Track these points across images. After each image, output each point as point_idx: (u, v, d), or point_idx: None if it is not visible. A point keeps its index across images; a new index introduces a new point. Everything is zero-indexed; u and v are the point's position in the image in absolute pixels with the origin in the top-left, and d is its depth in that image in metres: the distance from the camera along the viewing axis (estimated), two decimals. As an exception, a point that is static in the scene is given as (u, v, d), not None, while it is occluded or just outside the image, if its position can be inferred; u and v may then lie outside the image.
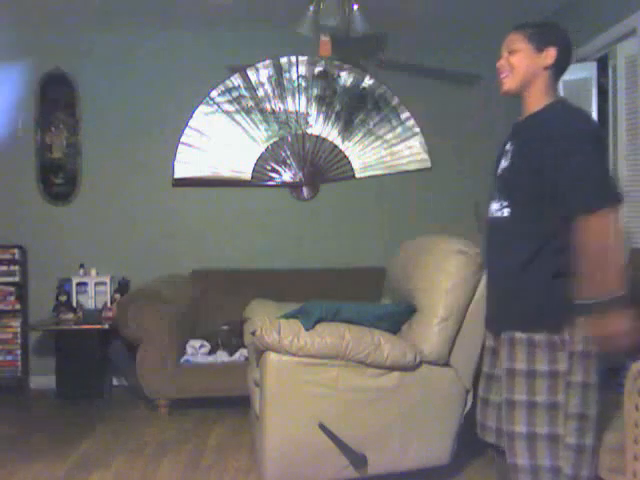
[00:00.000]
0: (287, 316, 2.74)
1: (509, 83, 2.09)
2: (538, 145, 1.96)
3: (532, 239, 2.01)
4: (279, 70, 4.84)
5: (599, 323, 1.88)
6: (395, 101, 4.90)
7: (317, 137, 4.88)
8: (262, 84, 4.83)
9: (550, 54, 2.04)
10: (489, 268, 2.25)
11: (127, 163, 4.84)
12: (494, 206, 2.13)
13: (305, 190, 4.94)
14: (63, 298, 4.57)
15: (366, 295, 3.96)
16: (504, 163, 2.11)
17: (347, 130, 4.89)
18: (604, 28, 3.82)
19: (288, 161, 4.88)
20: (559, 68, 2.08)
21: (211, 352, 4.16)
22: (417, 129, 4.91)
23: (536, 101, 2.07)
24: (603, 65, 4.09)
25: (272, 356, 2.61)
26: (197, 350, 4.14)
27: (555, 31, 2.09)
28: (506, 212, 2.07)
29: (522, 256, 2.01)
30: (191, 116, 4.79)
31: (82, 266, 4.70)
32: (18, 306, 4.61)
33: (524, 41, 2.05)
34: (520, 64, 2.05)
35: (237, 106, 4.83)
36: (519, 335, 2.02)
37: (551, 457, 1.99)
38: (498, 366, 2.15)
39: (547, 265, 1.99)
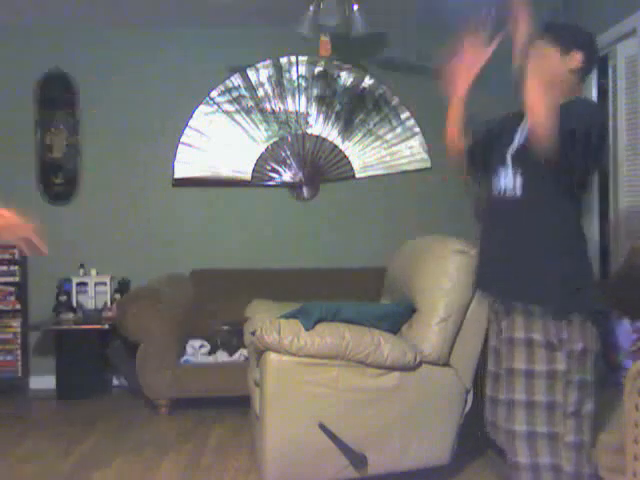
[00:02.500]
0: (287, 316, 2.73)
1: None
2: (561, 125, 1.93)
3: (546, 217, 2.03)
4: (279, 70, 4.84)
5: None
6: (395, 101, 4.89)
7: (317, 137, 4.88)
8: (262, 84, 4.84)
9: (576, 58, 2.06)
10: (491, 241, 2.23)
11: (127, 163, 4.83)
12: (505, 182, 2.13)
13: (305, 190, 4.94)
14: (63, 298, 4.57)
15: (366, 295, 3.96)
16: (520, 139, 2.10)
17: (347, 130, 4.89)
18: (604, 28, 3.82)
19: (288, 161, 4.88)
20: (584, 71, 2.11)
21: (211, 352, 4.16)
22: (417, 129, 4.91)
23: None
24: (603, 65, 4.09)
25: (272, 356, 2.61)
26: (197, 350, 4.14)
27: (582, 34, 2.12)
28: (519, 189, 2.08)
29: (534, 233, 2.04)
30: (191, 116, 4.79)
31: (82, 266, 4.70)
32: (18, 306, 4.61)
33: (551, 43, 2.07)
34: (546, 67, 2.05)
35: (237, 106, 4.83)
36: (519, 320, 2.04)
37: (551, 455, 2.01)
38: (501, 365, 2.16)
39: (558, 244, 2.02)
